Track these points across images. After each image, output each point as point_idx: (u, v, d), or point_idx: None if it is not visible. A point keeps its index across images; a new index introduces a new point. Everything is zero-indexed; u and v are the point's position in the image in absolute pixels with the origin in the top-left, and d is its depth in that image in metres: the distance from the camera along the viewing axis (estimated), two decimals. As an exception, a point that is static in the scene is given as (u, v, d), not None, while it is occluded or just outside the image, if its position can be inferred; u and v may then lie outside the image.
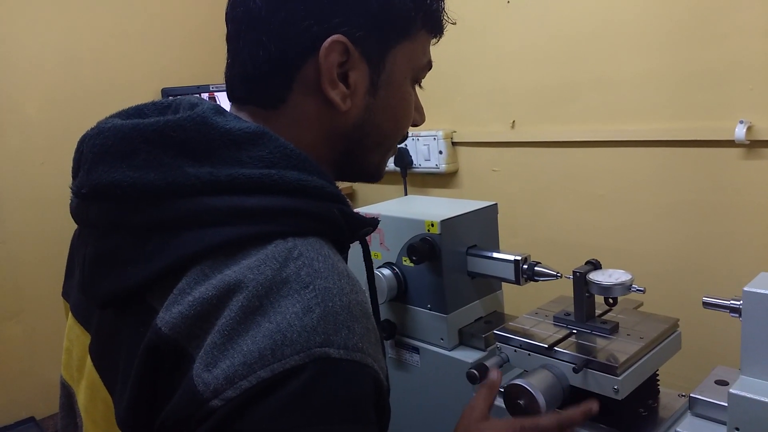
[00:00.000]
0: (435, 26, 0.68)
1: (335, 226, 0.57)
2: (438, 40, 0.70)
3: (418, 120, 0.73)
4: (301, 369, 0.46)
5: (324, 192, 0.57)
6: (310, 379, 0.46)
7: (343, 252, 0.63)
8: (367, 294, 0.63)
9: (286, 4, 0.58)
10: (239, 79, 0.62)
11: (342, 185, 2.02)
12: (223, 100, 1.85)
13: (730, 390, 0.66)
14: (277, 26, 0.58)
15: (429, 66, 0.70)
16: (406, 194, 1.68)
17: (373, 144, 0.67)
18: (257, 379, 0.46)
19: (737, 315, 0.70)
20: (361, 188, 1.89)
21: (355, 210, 0.67)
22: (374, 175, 0.71)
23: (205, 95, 1.85)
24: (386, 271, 1.02)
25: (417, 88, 0.71)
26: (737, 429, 0.66)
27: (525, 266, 0.95)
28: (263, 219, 0.52)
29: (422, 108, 0.73)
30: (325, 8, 0.58)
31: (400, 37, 0.64)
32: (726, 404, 0.67)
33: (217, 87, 1.86)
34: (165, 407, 0.49)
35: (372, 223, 0.64)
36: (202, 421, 0.46)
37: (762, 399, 0.64)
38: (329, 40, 0.58)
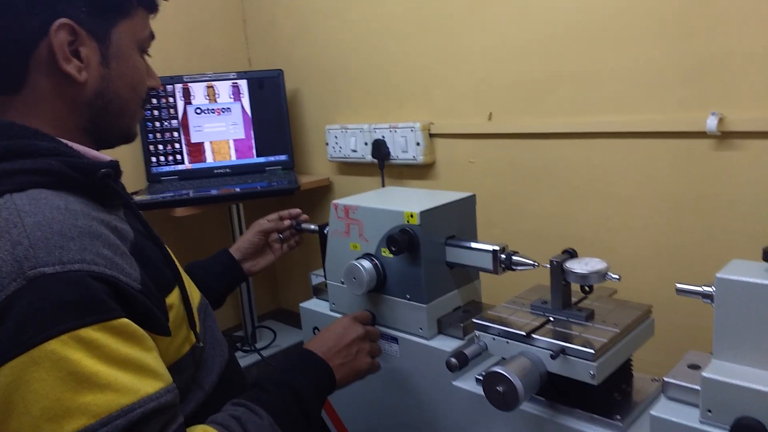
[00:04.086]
0: (150, 4, 0.81)
1: (58, 175, 0.67)
2: (155, 15, 0.83)
3: (154, 83, 0.85)
4: (22, 290, 0.58)
5: (38, 149, 0.68)
6: (32, 295, 0.58)
7: (108, 202, 0.73)
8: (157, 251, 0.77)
9: None
10: None
11: (319, 177, 2.00)
12: (198, 91, 1.83)
13: (703, 374, 0.68)
14: (5, 18, 0.69)
15: (151, 37, 0.83)
16: (383, 186, 1.68)
17: (116, 109, 0.78)
18: None
19: (710, 301, 0.71)
20: (337, 180, 1.89)
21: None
22: (127, 136, 0.84)
23: (179, 86, 1.82)
24: (366, 263, 1.02)
25: (147, 57, 0.84)
26: (710, 411, 0.68)
27: (503, 256, 0.95)
28: None
29: (155, 73, 0.85)
30: None
31: (120, 16, 0.76)
32: (699, 387, 0.69)
33: (190, 77, 1.83)
34: None
35: (110, 164, 0.73)
36: None
37: (733, 382, 0.66)
38: (56, 23, 0.70)
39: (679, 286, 0.76)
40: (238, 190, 1.69)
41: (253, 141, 1.89)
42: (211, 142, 1.87)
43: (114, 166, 0.75)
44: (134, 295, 0.65)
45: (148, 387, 0.62)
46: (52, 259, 0.60)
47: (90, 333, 0.59)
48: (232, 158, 1.88)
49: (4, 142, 0.68)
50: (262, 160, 1.89)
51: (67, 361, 0.57)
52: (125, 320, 0.63)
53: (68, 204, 0.66)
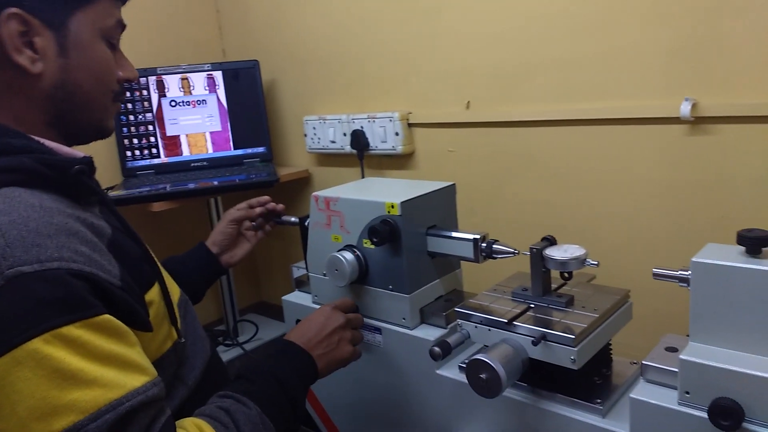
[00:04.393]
0: None
1: (31, 172, 0.66)
2: (124, 3, 0.78)
3: (129, 75, 0.80)
4: (1, 290, 0.57)
5: (10, 147, 0.67)
6: (11, 295, 0.57)
7: (83, 199, 0.72)
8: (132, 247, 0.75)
9: None
10: None
11: (298, 169, 1.98)
12: (172, 83, 1.80)
13: (681, 356, 0.69)
14: None
15: (120, 26, 0.78)
16: (363, 176, 1.68)
17: (81, 102, 0.75)
18: None
19: (686, 285, 0.73)
20: (317, 172, 1.88)
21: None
22: (100, 131, 0.80)
23: (152, 78, 1.79)
24: (348, 255, 1.02)
25: (120, 47, 0.80)
26: (687, 393, 0.69)
27: (483, 244, 0.96)
28: None
29: (129, 63, 0.81)
30: None
31: (79, 4, 0.72)
32: (676, 370, 0.70)
33: (164, 70, 1.80)
34: None
35: (84, 161, 0.72)
36: None
37: (710, 363, 0.67)
38: (4, 13, 0.67)
39: (656, 270, 0.77)
40: (216, 183, 1.68)
41: (229, 133, 1.87)
42: (187, 135, 1.84)
43: (88, 162, 0.73)
44: (114, 292, 0.65)
45: (134, 381, 0.62)
46: (30, 257, 0.59)
47: (72, 330, 0.59)
48: (209, 151, 1.86)
49: None
50: (239, 152, 1.88)
51: (50, 360, 0.57)
52: (107, 316, 0.62)
53: (43, 202, 0.65)
